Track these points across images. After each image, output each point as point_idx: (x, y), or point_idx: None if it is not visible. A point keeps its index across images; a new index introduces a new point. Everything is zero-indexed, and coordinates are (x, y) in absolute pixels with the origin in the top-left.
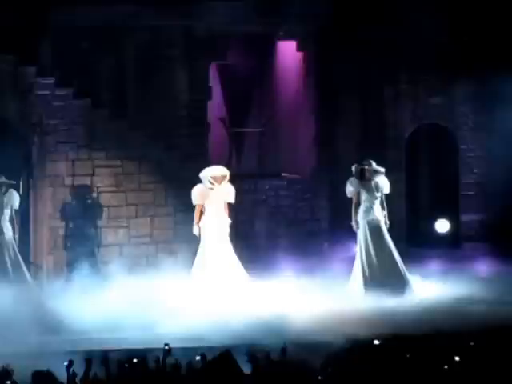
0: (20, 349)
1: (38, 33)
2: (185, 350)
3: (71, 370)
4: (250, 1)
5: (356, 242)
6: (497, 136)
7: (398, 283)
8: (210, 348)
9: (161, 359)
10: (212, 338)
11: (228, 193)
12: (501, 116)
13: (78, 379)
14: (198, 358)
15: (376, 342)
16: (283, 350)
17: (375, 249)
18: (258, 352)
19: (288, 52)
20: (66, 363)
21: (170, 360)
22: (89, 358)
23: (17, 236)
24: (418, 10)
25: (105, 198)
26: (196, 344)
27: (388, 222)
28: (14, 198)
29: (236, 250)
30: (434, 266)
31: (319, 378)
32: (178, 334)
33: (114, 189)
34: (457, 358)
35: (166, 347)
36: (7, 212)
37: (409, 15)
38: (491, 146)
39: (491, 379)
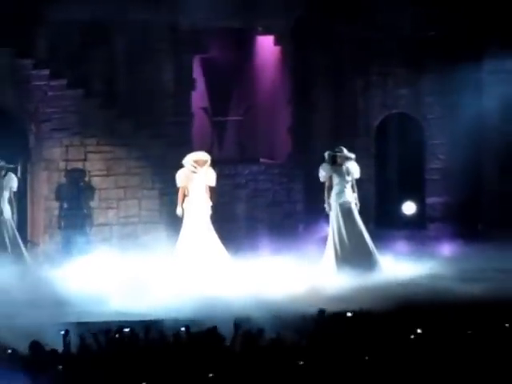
0: (19, 321)
1: (34, 28)
2: (170, 321)
3: (67, 339)
4: None
5: (329, 223)
6: (458, 125)
7: (367, 261)
8: (193, 321)
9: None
10: (193, 313)
11: (209, 177)
12: (462, 106)
13: (72, 348)
14: (182, 329)
15: (349, 314)
16: (266, 320)
17: (346, 229)
18: (242, 326)
19: (266, 46)
20: (62, 332)
21: (155, 332)
22: (80, 328)
23: (15, 216)
24: (387, 9)
25: (96, 182)
26: (180, 317)
27: (358, 204)
28: (13, 181)
29: (217, 230)
30: (401, 245)
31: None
32: (161, 307)
33: (104, 173)
34: (419, 330)
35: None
36: (6, 194)
37: (379, 13)
38: (453, 133)
39: (454, 349)
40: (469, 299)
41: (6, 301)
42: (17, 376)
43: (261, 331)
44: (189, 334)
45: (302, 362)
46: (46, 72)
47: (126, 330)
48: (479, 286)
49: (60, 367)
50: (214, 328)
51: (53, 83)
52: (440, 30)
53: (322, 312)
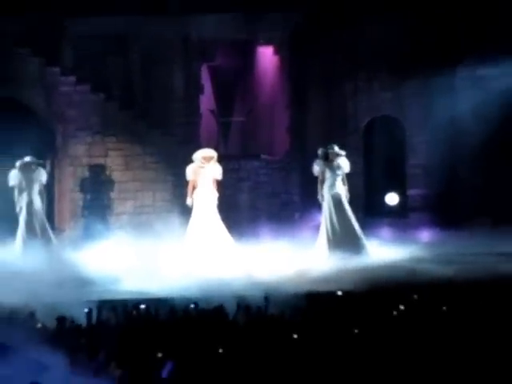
0: (47, 299)
1: (62, 39)
2: (180, 299)
3: (90, 315)
4: (235, 13)
5: (321, 212)
6: (436, 125)
7: (355, 246)
8: (200, 299)
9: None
10: (200, 292)
11: (216, 171)
12: (438, 108)
13: (94, 323)
14: (192, 306)
15: (339, 293)
16: (266, 299)
17: (337, 218)
18: (244, 303)
19: (266, 55)
20: (86, 310)
21: (165, 308)
22: (101, 305)
23: (44, 206)
24: (373, 22)
25: (115, 175)
26: (188, 295)
27: (348, 196)
28: (42, 175)
29: (222, 218)
30: (386, 232)
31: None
32: (172, 287)
33: (123, 167)
34: (401, 307)
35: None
36: (36, 186)
37: (366, 26)
38: (431, 133)
39: (431, 323)
40: (444, 279)
41: (35, 280)
42: (45, 348)
43: (259, 308)
44: (197, 311)
45: (296, 336)
46: (72, 79)
47: (142, 306)
48: (453, 268)
49: (83, 340)
50: (221, 306)
51: (78, 88)
52: (419, 41)
53: (309, 291)
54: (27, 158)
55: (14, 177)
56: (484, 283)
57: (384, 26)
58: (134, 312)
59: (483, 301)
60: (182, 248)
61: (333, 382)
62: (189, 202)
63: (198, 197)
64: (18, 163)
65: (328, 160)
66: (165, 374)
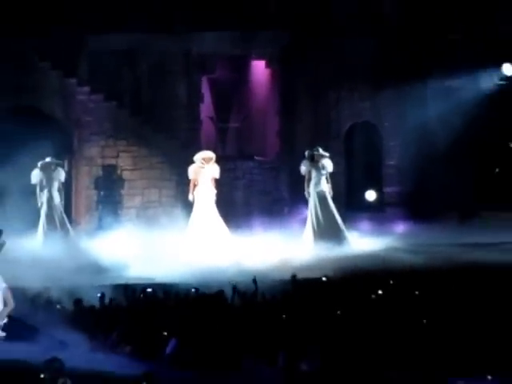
0: (66, 283)
1: (78, 54)
2: (183, 284)
3: (103, 298)
4: (232, 32)
5: (308, 207)
6: (408, 130)
7: (338, 237)
8: (200, 285)
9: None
10: (201, 278)
11: (214, 171)
12: (411, 116)
13: (106, 305)
14: (193, 290)
15: (324, 279)
16: (254, 281)
17: (322, 212)
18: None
19: (259, 68)
20: (99, 294)
21: (170, 292)
22: (113, 289)
23: (63, 201)
24: (353, 37)
25: (126, 174)
26: (191, 281)
27: (331, 193)
28: (61, 174)
29: (220, 213)
30: (365, 225)
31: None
32: (175, 273)
33: (132, 167)
34: (379, 291)
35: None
36: (56, 184)
37: (346, 44)
38: (405, 137)
39: (406, 306)
40: (416, 267)
41: (55, 267)
42: (65, 328)
43: (253, 293)
44: (197, 294)
45: (284, 316)
46: (87, 89)
47: (149, 290)
48: (424, 257)
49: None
50: (222, 291)
51: (92, 97)
52: (394, 58)
53: (294, 277)
54: (47, 159)
55: (35, 175)
56: (450, 270)
57: (363, 44)
58: (142, 295)
59: (449, 285)
60: (185, 239)
61: (320, 358)
62: (190, 197)
63: (198, 193)
64: (39, 163)
65: (314, 161)
66: (169, 350)
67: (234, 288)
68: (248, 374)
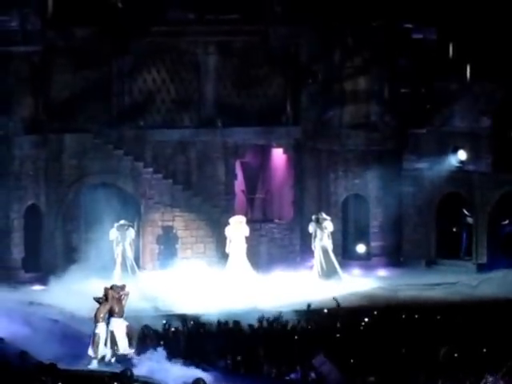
0: (137, 314)
1: (144, 144)
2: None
3: (165, 325)
4: (258, 127)
5: (314, 257)
6: (389, 201)
7: (335, 277)
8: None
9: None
10: (236, 311)
11: (245, 230)
12: (390, 191)
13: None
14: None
15: (325, 311)
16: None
17: (324, 260)
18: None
19: (278, 154)
20: (164, 322)
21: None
22: (170, 319)
23: (133, 253)
24: (347, 135)
25: (179, 233)
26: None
27: (332, 246)
28: (132, 232)
29: (249, 260)
30: (356, 270)
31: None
32: (214, 307)
33: (184, 228)
34: (366, 319)
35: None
36: (128, 240)
37: (342, 132)
38: (386, 206)
39: (387, 331)
40: (395, 301)
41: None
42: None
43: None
44: (235, 324)
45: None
46: (150, 170)
47: (203, 320)
48: (402, 293)
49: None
50: (238, 322)
51: (154, 176)
52: (378, 147)
53: (309, 306)
54: (121, 221)
55: (113, 233)
56: (416, 303)
57: (353, 140)
58: (192, 323)
59: (417, 314)
60: (223, 281)
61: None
62: (227, 249)
63: (233, 247)
64: (115, 224)
65: (318, 223)
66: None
67: (259, 318)
68: None
